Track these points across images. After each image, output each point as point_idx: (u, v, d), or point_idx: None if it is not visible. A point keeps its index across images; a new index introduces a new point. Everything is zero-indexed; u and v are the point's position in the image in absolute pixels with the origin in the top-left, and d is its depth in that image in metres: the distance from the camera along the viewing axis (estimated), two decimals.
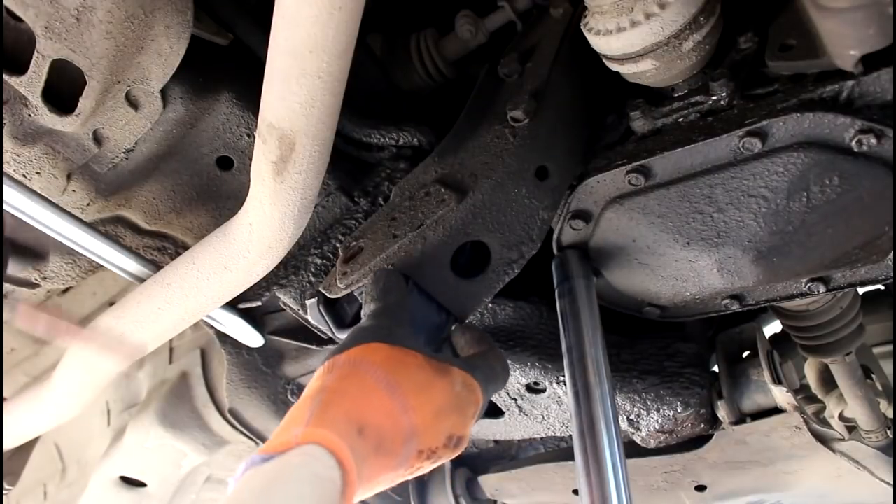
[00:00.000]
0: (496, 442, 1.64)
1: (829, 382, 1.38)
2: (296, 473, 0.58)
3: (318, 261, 1.25)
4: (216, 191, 1.19)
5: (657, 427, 1.23)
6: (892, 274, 0.98)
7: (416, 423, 0.71)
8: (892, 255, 0.94)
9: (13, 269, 1.25)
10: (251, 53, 1.11)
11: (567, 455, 1.50)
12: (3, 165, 0.98)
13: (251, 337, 1.36)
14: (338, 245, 1.23)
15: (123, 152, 1.08)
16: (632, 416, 1.23)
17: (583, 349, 0.99)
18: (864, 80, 0.81)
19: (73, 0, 0.80)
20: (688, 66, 0.89)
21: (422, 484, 1.67)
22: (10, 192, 1.00)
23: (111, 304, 1.28)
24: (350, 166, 1.22)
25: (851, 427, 1.36)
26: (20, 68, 0.88)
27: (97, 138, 1.01)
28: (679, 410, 1.20)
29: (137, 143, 1.07)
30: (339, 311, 1.04)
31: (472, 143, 1.02)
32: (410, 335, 0.80)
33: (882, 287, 1.49)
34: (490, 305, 1.22)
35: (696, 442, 1.30)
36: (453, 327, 0.92)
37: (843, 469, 1.32)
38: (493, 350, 0.87)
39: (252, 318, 1.34)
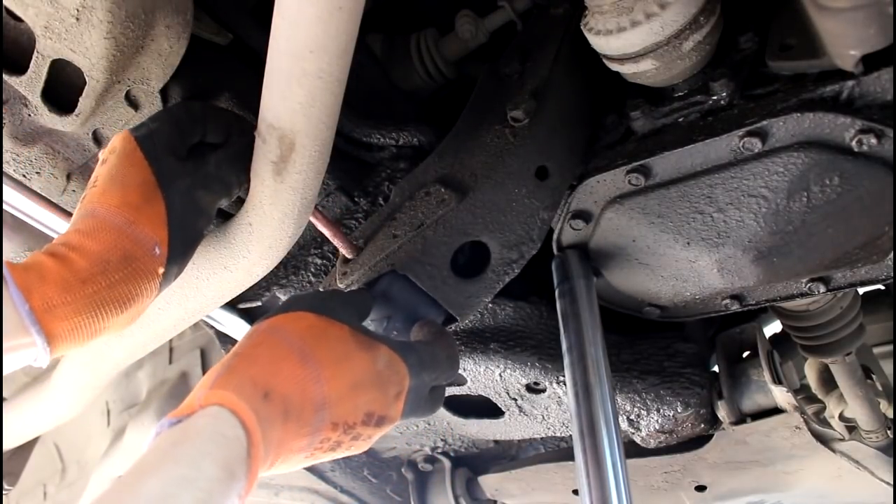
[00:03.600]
0: (496, 442, 1.64)
1: (829, 382, 1.37)
2: (201, 433, 0.59)
3: (318, 261, 1.24)
4: None
5: (657, 427, 1.23)
6: (892, 274, 0.98)
7: (328, 394, 0.71)
8: (892, 255, 0.94)
9: None
10: (251, 53, 1.11)
11: (567, 455, 1.50)
12: (3, 165, 0.98)
13: None
14: None
15: None
16: (632, 416, 1.23)
17: (583, 349, 0.99)
18: (864, 80, 0.81)
19: (73, 0, 0.80)
20: (688, 66, 0.89)
21: (422, 484, 1.67)
22: (10, 192, 1.00)
23: None
24: (350, 166, 1.22)
25: (851, 427, 1.36)
26: (20, 68, 0.88)
27: (97, 138, 1.00)
28: (679, 410, 1.20)
29: None
30: None
31: (472, 143, 1.01)
32: (347, 310, 0.79)
33: (882, 287, 1.49)
34: (490, 305, 1.22)
35: (697, 442, 1.30)
36: (415, 323, 0.91)
37: (844, 469, 1.32)
38: (444, 339, 0.86)
39: (252, 318, 1.34)
